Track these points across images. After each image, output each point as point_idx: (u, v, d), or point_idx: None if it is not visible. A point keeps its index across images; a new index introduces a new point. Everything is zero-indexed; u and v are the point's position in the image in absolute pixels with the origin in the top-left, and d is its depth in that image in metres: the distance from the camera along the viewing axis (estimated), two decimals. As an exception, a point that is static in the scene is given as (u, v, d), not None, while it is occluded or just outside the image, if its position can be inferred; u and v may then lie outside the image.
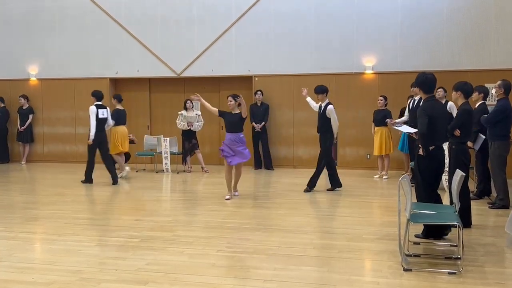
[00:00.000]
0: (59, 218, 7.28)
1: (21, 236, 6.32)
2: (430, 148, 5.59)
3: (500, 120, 7.48)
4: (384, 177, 10.75)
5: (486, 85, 8.75)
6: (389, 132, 10.71)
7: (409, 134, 8.63)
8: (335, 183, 9.35)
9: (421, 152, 5.63)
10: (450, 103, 9.66)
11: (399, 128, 8.03)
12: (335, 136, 9.33)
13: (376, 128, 10.77)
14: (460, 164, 6.15)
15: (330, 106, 9.11)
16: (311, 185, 9.27)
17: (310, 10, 12.49)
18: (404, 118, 10.37)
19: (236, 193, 8.85)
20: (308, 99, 9.66)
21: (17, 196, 9.39)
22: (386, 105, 10.76)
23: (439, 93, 10.18)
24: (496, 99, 7.82)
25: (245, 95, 13.07)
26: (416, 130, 6.72)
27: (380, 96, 10.90)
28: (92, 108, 10.40)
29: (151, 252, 5.55)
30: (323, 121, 9.19)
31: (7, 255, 5.49)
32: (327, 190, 9.29)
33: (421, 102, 5.89)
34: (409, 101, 10.24)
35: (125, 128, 11.43)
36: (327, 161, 9.27)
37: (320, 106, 9.27)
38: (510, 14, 11.43)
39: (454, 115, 9.54)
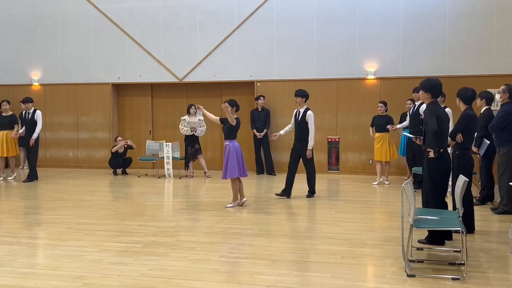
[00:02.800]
0: (61, 223, 7.27)
1: (23, 241, 6.32)
2: (441, 150, 5.59)
3: (506, 125, 7.45)
4: (386, 182, 10.72)
5: (491, 90, 8.73)
6: (391, 138, 10.68)
7: (413, 140, 8.63)
8: (312, 190, 9.25)
9: (431, 154, 5.62)
10: (447, 109, 9.69)
11: (404, 133, 8.02)
12: (311, 146, 8.95)
13: (378, 134, 10.72)
14: (463, 169, 6.14)
15: (310, 111, 9.00)
16: (311, 190, 9.25)
17: (312, 16, 12.51)
18: (405, 123, 10.36)
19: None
20: (282, 132, 9.34)
21: (19, 201, 9.39)
22: (386, 110, 10.72)
23: (407, 105, 10.40)
24: (500, 104, 7.80)
25: (247, 101, 13.18)
26: (416, 137, 6.72)
27: (380, 102, 10.83)
28: (40, 113, 11.53)
29: (154, 257, 5.54)
30: (304, 127, 8.96)
31: (10, 260, 5.48)
32: (307, 196, 9.18)
33: (426, 105, 5.88)
34: (411, 106, 10.24)
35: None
36: (311, 167, 9.14)
37: (298, 112, 9.10)
38: (512, 20, 11.46)
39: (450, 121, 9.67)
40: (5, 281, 4.81)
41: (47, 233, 6.89)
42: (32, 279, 4.86)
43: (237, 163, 8.29)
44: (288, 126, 9.33)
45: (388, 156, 10.63)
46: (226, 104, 8.21)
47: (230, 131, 8.31)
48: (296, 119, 9.11)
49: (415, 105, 9.95)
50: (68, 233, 6.69)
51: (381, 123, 10.63)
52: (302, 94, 9.09)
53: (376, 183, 10.74)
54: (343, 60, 12.37)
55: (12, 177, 11.76)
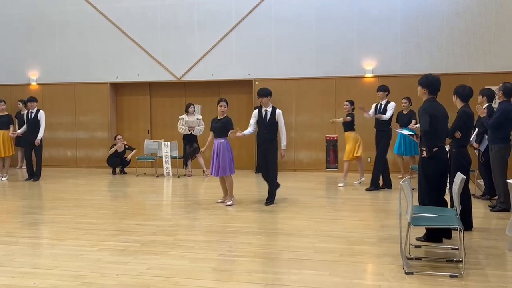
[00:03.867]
0: (60, 222, 7.28)
1: (22, 241, 6.32)
2: (434, 149, 5.60)
3: (502, 123, 7.48)
4: (357, 180, 10.54)
5: (492, 87, 8.75)
6: (357, 137, 10.39)
7: (410, 137, 8.62)
8: (272, 197, 8.56)
9: (424, 153, 5.63)
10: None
11: (401, 131, 8.00)
12: (285, 145, 8.50)
13: (346, 133, 10.43)
14: (460, 167, 6.15)
15: (279, 110, 8.44)
16: (272, 197, 8.54)
17: (310, 14, 12.52)
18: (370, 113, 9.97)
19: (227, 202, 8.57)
20: (245, 133, 8.62)
21: (18, 201, 9.39)
22: (353, 109, 10.40)
23: (403, 104, 10.36)
24: (498, 101, 7.83)
25: (245, 99, 13.19)
26: (414, 134, 6.72)
27: (346, 101, 10.54)
28: (44, 113, 11.62)
29: (153, 256, 5.54)
30: (274, 127, 8.40)
31: (9, 260, 5.49)
32: (266, 204, 8.44)
33: (423, 102, 5.88)
34: (406, 105, 10.22)
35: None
36: (274, 172, 8.52)
37: (264, 112, 8.43)
38: (510, 17, 11.47)
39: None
40: (4, 281, 4.82)
41: (46, 232, 6.90)
42: (31, 278, 4.87)
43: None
44: (251, 128, 8.61)
45: (353, 154, 10.31)
46: (239, 133, 8.32)
47: (224, 130, 8.39)
48: (262, 119, 8.44)
49: (381, 104, 9.84)
50: (67, 232, 6.69)
51: (346, 122, 10.34)
52: (266, 93, 8.41)
53: (342, 184, 10.36)
54: (341, 58, 12.39)
55: (5, 178, 11.76)
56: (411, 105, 10.85)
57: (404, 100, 10.75)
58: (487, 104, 8.08)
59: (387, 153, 9.89)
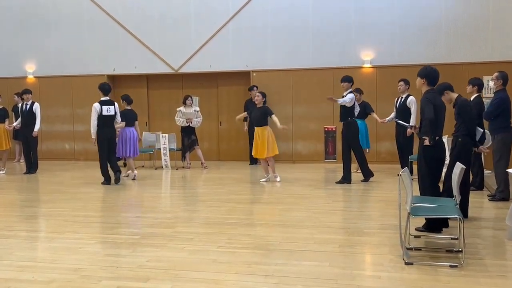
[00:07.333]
0: (59, 216, 7.25)
1: (20, 234, 6.30)
2: (436, 138, 5.62)
3: (500, 112, 7.47)
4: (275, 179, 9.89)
5: (484, 77, 8.72)
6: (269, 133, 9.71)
7: (404, 126, 8.61)
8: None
9: (427, 142, 5.64)
10: (410, 98, 9.66)
11: (399, 122, 7.98)
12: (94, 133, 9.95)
13: (257, 128, 9.69)
14: (465, 156, 6.16)
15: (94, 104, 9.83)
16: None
17: (308, 4, 12.46)
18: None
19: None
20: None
21: (15, 194, 9.36)
22: (265, 102, 10.09)
23: (399, 86, 10.02)
24: (494, 91, 7.80)
25: (243, 91, 13.14)
26: (411, 125, 6.73)
27: (258, 92, 10.20)
28: (38, 105, 11.58)
29: (152, 249, 5.53)
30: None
31: (7, 253, 5.46)
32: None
33: (423, 93, 5.90)
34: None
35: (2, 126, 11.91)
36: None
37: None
38: (508, 7, 11.43)
39: (412, 110, 9.48)
40: (2, 275, 4.79)
41: (44, 225, 6.88)
42: (30, 272, 4.85)
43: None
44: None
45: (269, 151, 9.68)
46: None
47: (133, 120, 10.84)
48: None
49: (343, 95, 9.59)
50: (65, 225, 6.67)
51: (257, 114, 9.70)
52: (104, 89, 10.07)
53: (264, 180, 9.89)
54: (339, 49, 12.34)
55: (3, 171, 11.71)
56: (361, 96, 10.77)
57: (354, 93, 10.60)
58: (477, 94, 8.02)
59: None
